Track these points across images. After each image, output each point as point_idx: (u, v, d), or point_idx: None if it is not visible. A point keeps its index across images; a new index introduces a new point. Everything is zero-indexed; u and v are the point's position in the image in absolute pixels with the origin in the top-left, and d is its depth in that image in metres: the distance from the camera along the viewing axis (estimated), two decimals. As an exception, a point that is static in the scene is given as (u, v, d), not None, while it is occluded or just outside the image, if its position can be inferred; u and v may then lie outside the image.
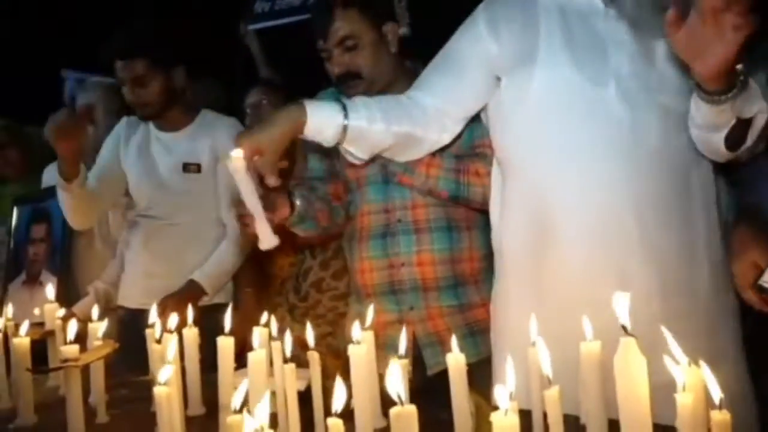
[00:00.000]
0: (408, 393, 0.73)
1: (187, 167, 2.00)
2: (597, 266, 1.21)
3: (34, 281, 2.06)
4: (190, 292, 1.94)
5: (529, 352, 0.97)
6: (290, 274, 2.06)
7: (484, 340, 1.53)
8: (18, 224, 2.18)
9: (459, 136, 1.45)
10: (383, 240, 1.57)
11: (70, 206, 1.92)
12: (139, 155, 2.05)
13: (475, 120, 1.46)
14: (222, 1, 3.29)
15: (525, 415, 0.97)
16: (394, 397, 0.69)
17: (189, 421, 1.21)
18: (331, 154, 1.61)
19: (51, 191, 2.15)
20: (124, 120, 2.12)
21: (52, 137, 1.78)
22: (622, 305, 0.76)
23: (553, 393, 0.84)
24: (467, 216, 1.56)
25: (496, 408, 0.71)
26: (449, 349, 1.00)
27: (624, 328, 0.74)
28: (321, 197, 1.58)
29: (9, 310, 1.62)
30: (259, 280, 2.09)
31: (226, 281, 2.04)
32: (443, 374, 1.01)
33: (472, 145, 1.51)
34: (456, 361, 1.02)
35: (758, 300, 1.17)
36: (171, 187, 2.00)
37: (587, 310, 0.92)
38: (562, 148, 1.22)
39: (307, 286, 2.02)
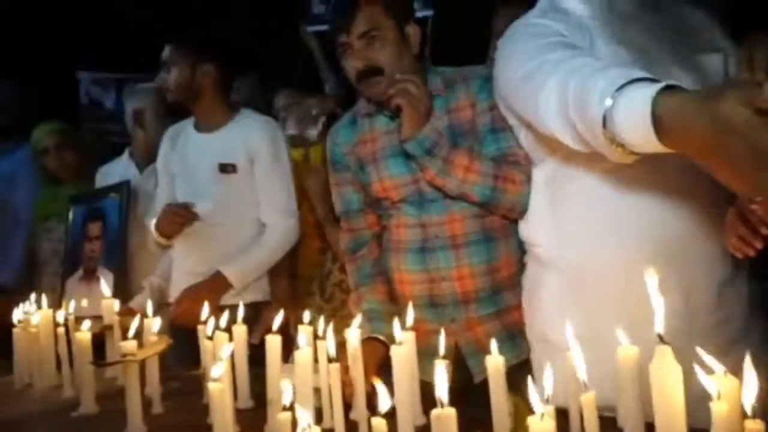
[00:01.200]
0: (448, 396, 0.76)
1: (223, 167, 2.00)
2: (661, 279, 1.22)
3: (90, 277, 2.15)
4: (214, 283, 1.95)
5: (566, 357, 0.99)
6: (315, 275, 2.08)
7: (523, 342, 1.55)
8: (74, 223, 2.28)
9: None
10: (421, 254, 1.56)
11: (163, 244, 2.08)
12: (181, 158, 2.10)
13: (502, 131, 1.47)
14: (281, 1, 3.30)
15: (562, 414, 1.00)
16: (437, 400, 0.72)
17: (238, 413, 1.27)
18: (363, 183, 1.63)
19: (104, 191, 2.26)
20: (168, 131, 2.16)
21: (164, 229, 1.98)
22: (658, 314, 0.78)
23: (589, 397, 0.86)
24: (502, 225, 1.54)
25: (533, 409, 0.74)
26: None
27: (660, 336, 0.76)
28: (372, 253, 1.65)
29: (71, 305, 1.72)
30: (294, 274, 2.11)
31: (254, 277, 2.01)
32: (488, 381, 1.04)
33: (504, 154, 1.49)
34: (495, 363, 1.05)
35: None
36: (209, 188, 2.02)
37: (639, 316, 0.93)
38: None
39: (330, 286, 2.04)
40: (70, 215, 2.31)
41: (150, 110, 2.31)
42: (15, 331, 1.65)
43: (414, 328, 1.27)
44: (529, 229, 1.42)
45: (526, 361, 1.45)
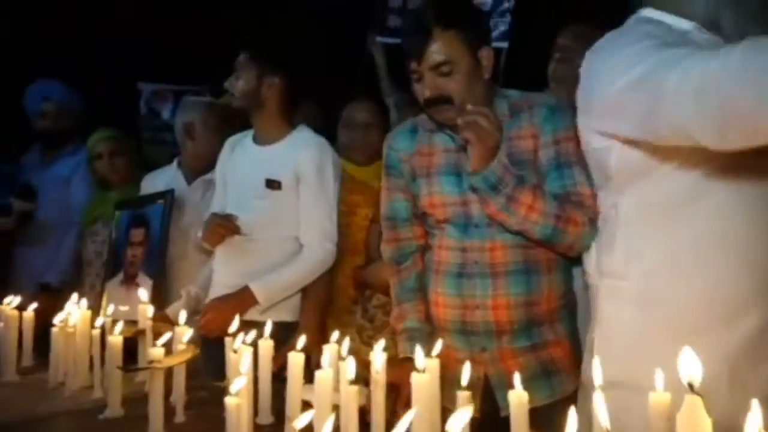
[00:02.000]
0: (472, 428, 0.74)
1: (270, 183, 2.00)
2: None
3: (131, 281, 2.19)
4: (241, 297, 1.94)
5: (595, 396, 0.95)
6: (358, 295, 2.08)
7: (559, 382, 1.49)
8: (118, 227, 2.34)
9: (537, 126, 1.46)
10: (458, 279, 1.53)
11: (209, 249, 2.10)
12: (234, 168, 2.11)
13: (567, 167, 1.44)
14: (348, 13, 3.33)
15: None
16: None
17: (258, 429, 1.26)
18: (414, 193, 1.62)
19: (150, 198, 2.31)
20: (228, 141, 2.18)
21: (207, 240, 2.02)
22: (691, 362, 0.74)
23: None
24: (547, 258, 1.51)
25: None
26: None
27: (690, 385, 0.72)
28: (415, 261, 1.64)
29: (110, 308, 1.76)
30: (328, 297, 2.07)
31: (282, 296, 1.98)
32: None
33: (568, 192, 1.46)
34: (518, 398, 1.01)
35: None
36: (253, 202, 2.02)
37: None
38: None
39: (372, 307, 2.03)
40: (115, 220, 2.37)
41: (200, 123, 2.36)
42: (53, 330, 1.70)
43: (443, 355, 1.25)
44: (611, 262, 1.31)
45: (561, 401, 1.39)
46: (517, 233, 1.49)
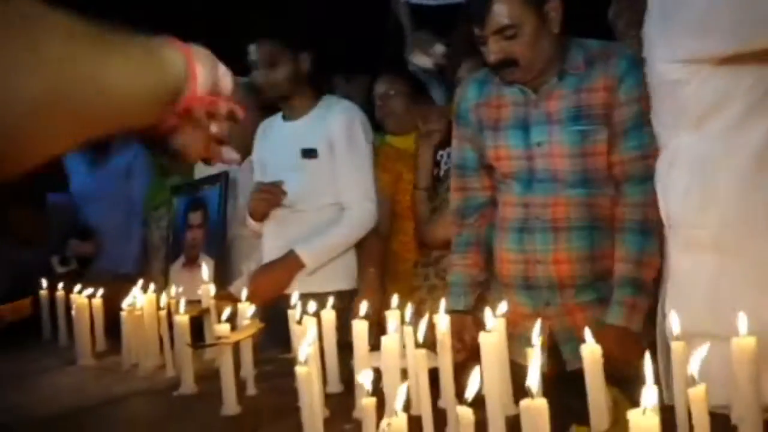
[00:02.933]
0: (541, 385, 0.72)
1: (305, 153, 2.01)
2: None
3: (192, 263, 2.23)
4: (287, 262, 1.96)
5: (673, 346, 0.92)
6: (421, 255, 2.08)
7: None
8: (176, 212, 2.38)
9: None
10: (520, 234, 1.53)
11: (256, 230, 2.12)
12: (270, 148, 2.12)
13: (647, 125, 1.38)
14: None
15: (668, 411, 0.92)
16: (527, 389, 0.68)
17: (328, 397, 1.28)
18: (481, 144, 1.60)
19: (204, 181, 2.34)
20: (261, 126, 2.18)
21: (254, 210, 2.03)
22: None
23: (698, 391, 0.79)
24: (613, 215, 1.48)
25: (635, 404, 0.68)
26: None
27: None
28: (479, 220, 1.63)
29: (172, 289, 1.81)
30: (383, 262, 2.09)
31: (329, 257, 1.99)
32: (582, 370, 0.98)
33: (639, 94, 1.40)
34: (591, 353, 0.99)
35: None
36: (291, 175, 2.03)
37: None
38: None
39: (441, 270, 2.03)
40: (173, 205, 2.41)
41: (242, 104, 2.36)
42: (122, 314, 1.75)
43: (510, 311, 1.23)
44: (684, 210, 1.26)
45: None
46: (582, 188, 1.48)
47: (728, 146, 1.19)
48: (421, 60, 2.48)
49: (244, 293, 1.59)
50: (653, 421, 0.63)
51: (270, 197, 2.01)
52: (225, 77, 0.59)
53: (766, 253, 1.17)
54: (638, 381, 0.74)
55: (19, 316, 2.00)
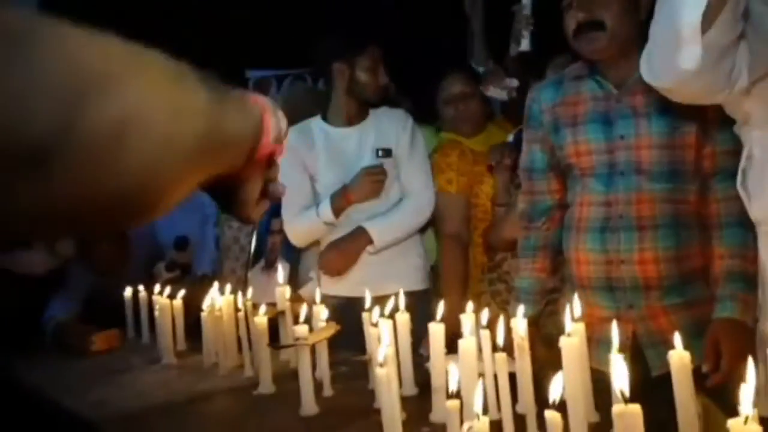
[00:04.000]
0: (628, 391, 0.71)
1: (378, 153, 2.10)
2: None
3: (271, 267, 2.32)
4: (356, 237, 2.04)
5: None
6: (487, 260, 2.08)
7: None
8: (262, 218, 2.46)
9: None
10: (602, 234, 1.49)
11: (315, 236, 2.16)
12: (332, 155, 2.14)
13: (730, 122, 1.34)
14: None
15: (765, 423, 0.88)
16: (617, 394, 0.67)
17: (403, 400, 1.28)
18: (553, 146, 1.59)
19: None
20: (295, 131, 2.18)
21: (369, 193, 2.07)
22: None
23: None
24: (699, 213, 1.44)
25: (729, 412, 0.66)
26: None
27: None
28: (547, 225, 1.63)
29: (249, 292, 1.86)
30: (463, 266, 2.11)
31: (395, 237, 2.07)
32: (668, 376, 0.95)
33: (735, 149, 1.40)
34: (680, 359, 0.95)
35: None
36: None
37: None
38: None
39: (504, 272, 2.02)
40: None
41: (306, 107, 2.40)
42: (202, 315, 1.81)
43: (587, 314, 1.21)
44: (764, 205, 1.24)
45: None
46: (667, 183, 1.44)
47: None
48: (496, 93, 2.48)
49: (318, 295, 1.62)
50: (755, 429, 0.61)
51: (380, 177, 2.07)
52: (284, 125, 0.62)
53: None
54: (728, 390, 0.72)
55: (108, 346, 2.12)
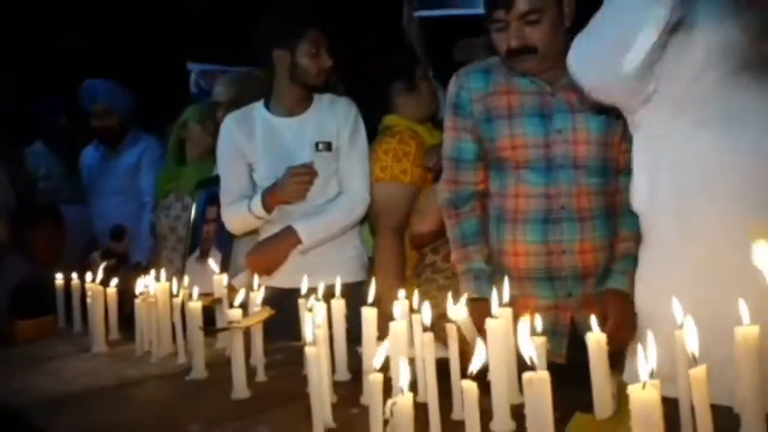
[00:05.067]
0: (546, 364, 0.74)
1: (318, 146, 2.06)
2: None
3: (205, 257, 2.27)
4: (283, 238, 2.00)
5: (676, 335, 0.93)
6: (418, 258, 2.05)
7: None
8: (197, 207, 2.42)
9: None
10: (544, 225, 1.52)
11: (249, 226, 2.12)
12: (270, 144, 2.11)
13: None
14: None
15: (670, 403, 0.93)
16: (527, 360, 0.70)
17: (336, 385, 1.29)
18: (481, 136, 1.59)
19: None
20: (228, 120, 2.18)
21: (293, 195, 2.01)
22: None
23: (699, 372, 0.80)
24: (622, 202, 1.51)
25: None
26: None
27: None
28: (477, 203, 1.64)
29: (185, 281, 1.83)
30: (401, 255, 2.05)
31: (325, 236, 2.02)
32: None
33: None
34: (596, 340, 1.00)
35: None
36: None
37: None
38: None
39: (424, 266, 2.02)
40: (195, 200, 2.45)
41: (248, 100, 2.38)
42: (136, 301, 1.78)
43: (523, 304, 1.24)
44: (633, 197, 1.36)
45: None
46: (600, 177, 1.53)
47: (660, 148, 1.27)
48: None
49: (256, 280, 1.61)
50: (654, 394, 0.65)
51: (307, 178, 2.02)
52: None
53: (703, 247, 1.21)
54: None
55: (37, 334, 2.05)
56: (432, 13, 2.85)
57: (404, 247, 2.08)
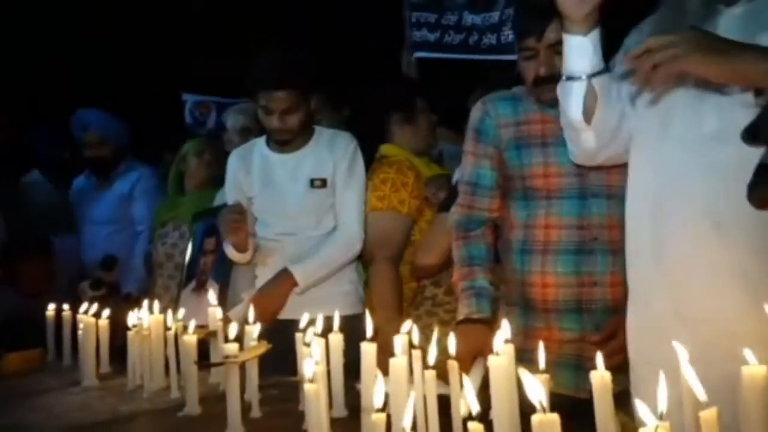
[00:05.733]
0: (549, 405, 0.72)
1: (313, 182, 2.07)
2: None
3: (201, 288, 2.26)
4: (280, 282, 1.99)
5: (682, 376, 0.91)
6: (417, 288, 2.04)
7: None
8: (195, 238, 2.42)
9: None
10: (576, 257, 1.50)
11: (240, 261, 2.15)
12: (265, 180, 2.14)
13: None
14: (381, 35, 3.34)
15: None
16: (536, 404, 0.68)
17: (333, 422, 1.26)
18: (505, 164, 1.59)
19: (221, 208, 2.36)
20: (232, 155, 2.22)
21: (225, 230, 2.04)
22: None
23: (709, 415, 0.78)
24: None
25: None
26: None
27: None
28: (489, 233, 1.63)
29: (180, 313, 1.81)
30: (398, 287, 2.04)
31: (321, 276, 2.03)
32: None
33: None
34: (601, 379, 0.98)
35: None
36: (299, 204, 2.07)
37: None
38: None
39: (424, 299, 2.00)
40: (194, 231, 2.45)
41: (257, 129, 2.42)
42: (129, 334, 1.75)
43: (545, 336, 1.22)
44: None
45: None
46: None
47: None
48: None
49: (252, 314, 1.59)
50: (665, 437, 0.63)
51: (237, 217, 2.02)
52: None
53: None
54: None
55: (25, 367, 2.01)
56: (430, 55, 2.90)
57: (400, 279, 2.06)
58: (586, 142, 1.33)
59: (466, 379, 0.87)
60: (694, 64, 1.09)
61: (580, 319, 1.51)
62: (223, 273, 2.22)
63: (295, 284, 2.01)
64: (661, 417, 0.74)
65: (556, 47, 1.46)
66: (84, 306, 1.96)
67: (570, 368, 1.47)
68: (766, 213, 1.08)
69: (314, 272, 2.03)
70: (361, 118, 2.47)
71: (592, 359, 1.45)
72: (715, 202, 1.17)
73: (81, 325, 1.89)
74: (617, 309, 1.47)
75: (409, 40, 2.97)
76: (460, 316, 1.54)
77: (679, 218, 1.21)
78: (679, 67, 1.10)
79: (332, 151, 2.10)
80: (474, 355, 1.37)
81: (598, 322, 1.49)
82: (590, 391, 1.46)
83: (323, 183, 2.08)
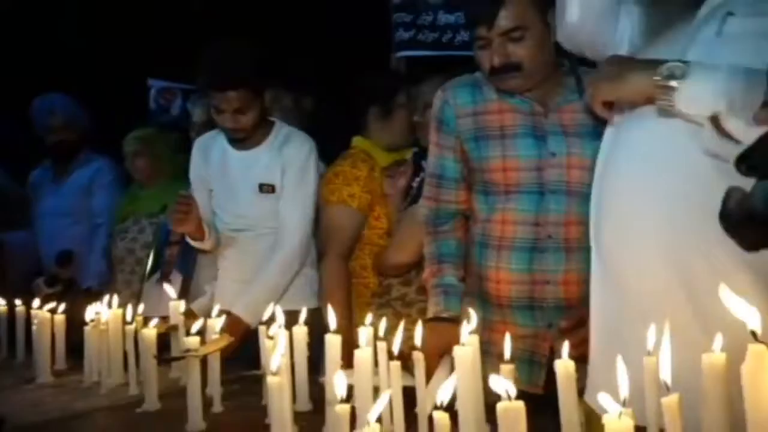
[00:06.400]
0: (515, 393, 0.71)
1: (262, 188, 2.05)
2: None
3: (165, 279, 2.20)
4: (231, 326, 1.75)
5: (645, 361, 0.92)
6: (378, 284, 1.99)
7: None
8: (161, 229, 2.37)
9: None
10: (530, 254, 1.47)
11: (202, 248, 2.11)
12: (221, 175, 2.11)
13: None
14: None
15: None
16: (502, 393, 0.68)
17: (297, 415, 1.24)
18: (467, 155, 1.54)
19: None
20: (195, 145, 2.19)
21: (170, 222, 2.01)
22: (751, 309, 0.71)
23: (671, 401, 0.79)
24: None
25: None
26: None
27: (754, 333, 0.69)
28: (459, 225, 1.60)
29: (140, 307, 1.76)
30: (347, 281, 2.03)
31: (267, 303, 1.74)
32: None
33: None
34: (564, 367, 0.98)
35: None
36: (249, 207, 2.06)
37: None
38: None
39: (391, 299, 1.94)
40: (160, 223, 2.40)
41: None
42: (86, 329, 1.70)
43: (500, 331, 1.21)
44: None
45: None
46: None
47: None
48: None
49: (216, 309, 1.56)
50: (629, 424, 0.63)
51: (184, 208, 1.96)
52: None
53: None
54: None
55: None
56: (406, 53, 2.90)
57: (348, 274, 2.03)
58: (569, 15, 1.27)
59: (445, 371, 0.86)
60: (604, 93, 1.15)
61: (533, 316, 1.49)
62: (187, 264, 2.19)
63: (245, 324, 1.89)
64: (624, 403, 0.74)
65: (510, 34, 1.43)
66: (37, 301, 1.90)
67: (524, 363, 1.46)
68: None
69: (257, 305, 1.84)
70: (341, 109, 2.42)
71: (545, 356, 1.48)
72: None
73: (35, 321, 1.82)
74: (570, 307, 1.45)
75: (393, 41, 2.98)
76: (429, 314, 1.53)
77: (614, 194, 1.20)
78: (599, 100, 1.16)
79: (283, 155, 2.05)
80: (440, 352, 1.35)
81: (551, 320, 1.48)
82: (543, 387, 1.48)
83: (272, 189, 2.05)
